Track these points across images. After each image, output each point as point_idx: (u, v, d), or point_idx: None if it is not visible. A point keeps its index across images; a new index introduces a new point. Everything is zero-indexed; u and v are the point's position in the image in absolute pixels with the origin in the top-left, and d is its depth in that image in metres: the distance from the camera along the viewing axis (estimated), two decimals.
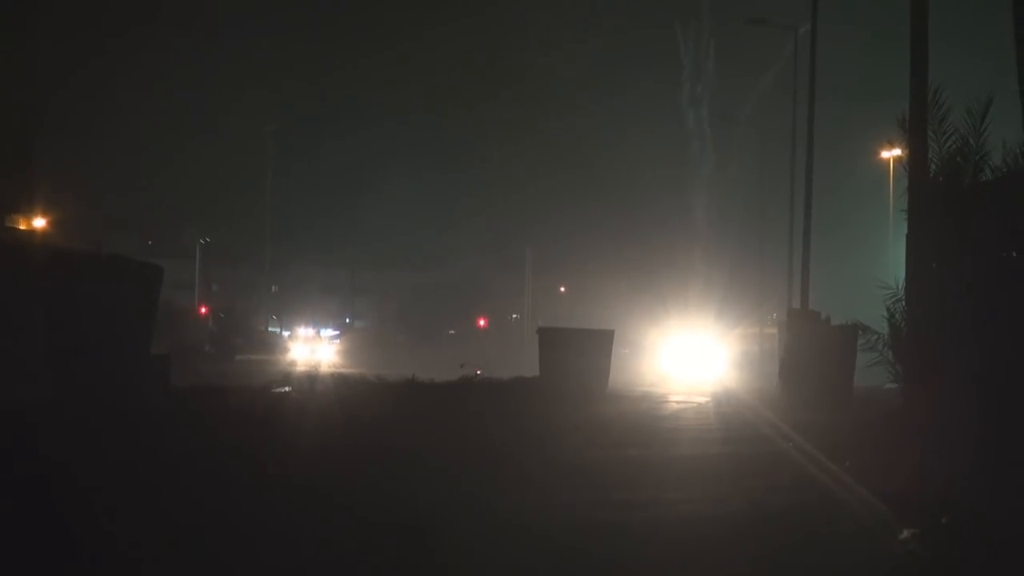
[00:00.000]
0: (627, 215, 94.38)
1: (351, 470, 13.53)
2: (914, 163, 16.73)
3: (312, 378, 32.85)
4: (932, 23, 18.12)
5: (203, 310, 73.50)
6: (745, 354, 60.17)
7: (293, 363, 52.85)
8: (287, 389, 27.34)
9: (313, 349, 66.31)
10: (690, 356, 53.35)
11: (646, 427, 20.14)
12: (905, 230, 16.02)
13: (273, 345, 70.59)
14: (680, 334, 59.92)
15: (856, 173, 60.27)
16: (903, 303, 15.93)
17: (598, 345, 29.42)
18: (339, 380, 31.41)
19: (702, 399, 28.69)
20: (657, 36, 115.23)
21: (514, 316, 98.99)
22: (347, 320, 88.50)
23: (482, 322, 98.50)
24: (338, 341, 76.78)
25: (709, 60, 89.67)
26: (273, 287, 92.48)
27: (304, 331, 76.08)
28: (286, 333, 77.10)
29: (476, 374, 33.13)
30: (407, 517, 10.14)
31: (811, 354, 26.66)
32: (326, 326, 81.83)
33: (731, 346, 61.84)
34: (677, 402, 27.35)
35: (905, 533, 8.91)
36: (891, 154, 42.88)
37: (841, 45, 57.88)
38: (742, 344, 63.89)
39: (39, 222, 30.93)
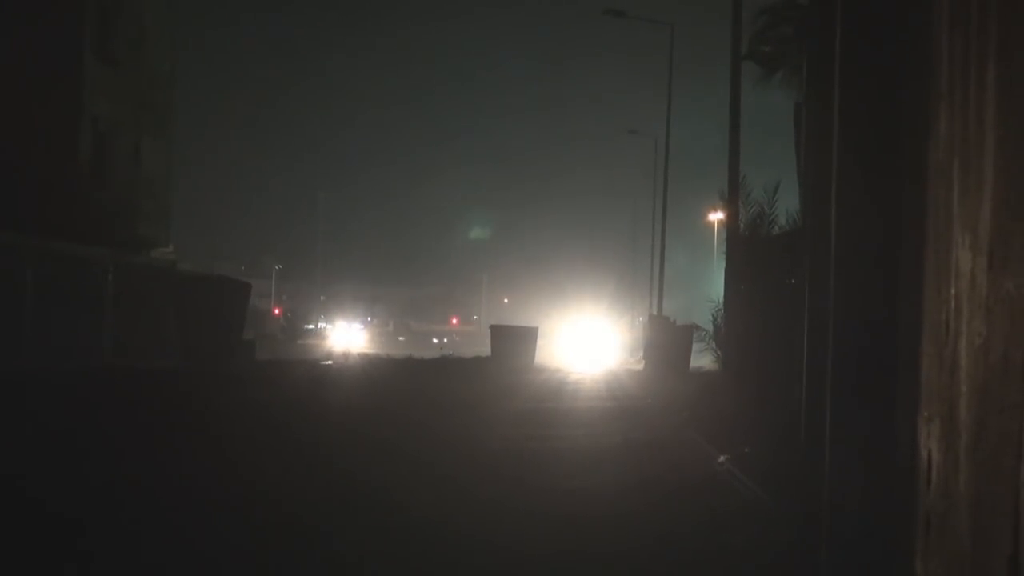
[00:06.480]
0: (550, 250, 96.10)
1: (370, 404, 13.96)
2: (730, 222, 16.95)
3: (346, 355, 32.81)
4: (746, 132, 18.47)
5: (277, 311, 73.08)
6: (630, 340, 59.55)
7: (334, 345, 52.57)
8: (330, 362, 27.34)
9: (347, 337, 65.80)
10: (590, 342, 53.08)
11: (558, 390, 20.20)
12: (724, 264, 16.18)
13: (320, 334, 70.12)
14: (584, 327, 59.63)
15: (697, 227, 60.33)
16: (722, 311, 16.08)
17: (528, 336, 29.42)
18: (363, 357, 31.39)
19: (595, 372, 28.76)
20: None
21: (475, 317, 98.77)
22: (368, 319, 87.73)
23: (454, 320, 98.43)
24: (363, 332, 76.36)
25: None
26: (322, 296, 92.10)
27: (341, 325, 75.27)
28: (329, 326, 76.28)
29: (450, 354, 33.13)
30: (409, 426, 10.45)
31: (662, 344, 26.81)
32: (355, 322, 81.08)
33: (620, 334, 61.45)
34: (578, 374, 27.41)
35: (721, 458, 9.02)
36: (716, 216, 43.32)
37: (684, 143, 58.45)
38: (628, 333, 63.33)
39: (172, 254, 30.68)
